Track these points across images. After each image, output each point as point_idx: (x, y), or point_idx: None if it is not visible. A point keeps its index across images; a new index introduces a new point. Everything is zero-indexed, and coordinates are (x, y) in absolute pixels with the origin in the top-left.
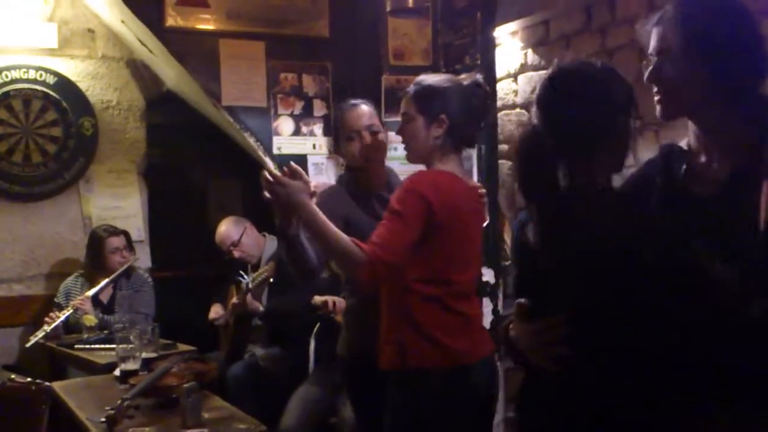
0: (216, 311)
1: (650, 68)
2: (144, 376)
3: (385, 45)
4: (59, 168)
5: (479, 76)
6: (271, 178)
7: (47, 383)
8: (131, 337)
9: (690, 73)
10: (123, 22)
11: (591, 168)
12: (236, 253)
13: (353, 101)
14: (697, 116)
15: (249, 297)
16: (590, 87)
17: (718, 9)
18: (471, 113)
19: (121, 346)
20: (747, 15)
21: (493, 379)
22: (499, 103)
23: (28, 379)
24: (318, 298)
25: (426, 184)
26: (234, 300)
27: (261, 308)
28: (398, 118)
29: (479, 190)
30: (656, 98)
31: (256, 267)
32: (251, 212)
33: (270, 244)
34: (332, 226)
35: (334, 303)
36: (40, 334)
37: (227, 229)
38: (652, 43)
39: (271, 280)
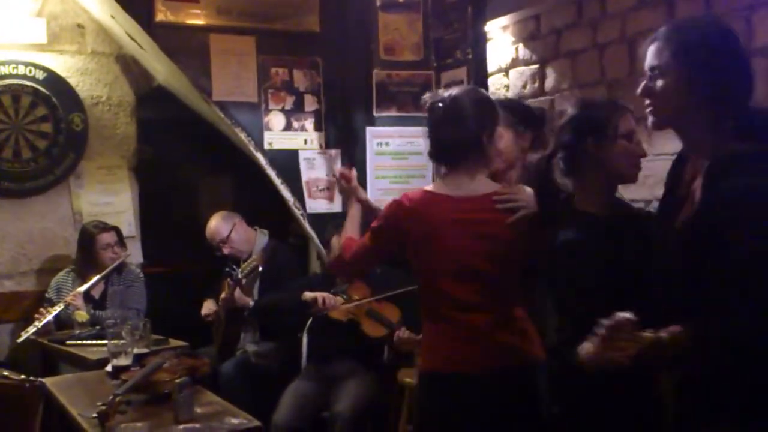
0: (208, 307)
1: (643, 83)
2: (136, 372)
3: (376, 40)
4: (49, 164)
5: (433, 93)
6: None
7: (40, 380)
8: (123, 333)
9: (677, 88)
10: (112, 17)
11: (584, 186)
12: (225, 250)
13: None
14: (682, 129)
15: (238, 291)
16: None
17: (707, 29)
18: (429, 134)
19: (112, 341)
20: (733, 36)
21: (510, 394)
22: None
23: (22, 376)
24: (309, 294)
25: (400, 207)
26: (223, 295)
27: (251, 303)
28: (389, 113)
29: (496, 197)
30: (648, 110)
31: None
32: (242, 207)
33: (261, 238)
34: (350, 224)
35: (324, 300)
36: (31, 330)
37: (216, 225)
38: (647, 60)
39: (260, 268)
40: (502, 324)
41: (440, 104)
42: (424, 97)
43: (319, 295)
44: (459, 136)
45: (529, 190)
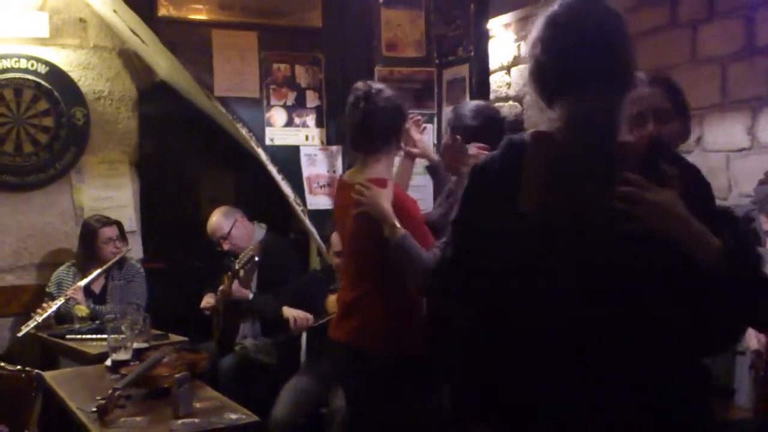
0: (207, 300)
1: None
2: (135, 366)
3: (378, 36)
4: (51, 158)
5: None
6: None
7: (37, 371)
8: (123, 328)
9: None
10: (115, 11)
11: None
12: (226, 245)
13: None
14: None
15: (236, 284)
16: None
17: (550, 14)
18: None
19: (112, 336)
20: (562, 19)
21: (344, 367)
22: (492, 96)
23: (18, 367)
24: (286, 312)
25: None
26: (222, 287)
27: (250, 295)
28: None
29: (356, 186)
30: None
31: None
32: (243, 203)
33: (258, 232)
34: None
35: (296, 320)
36: (31, 324)
37: (218, 220)
38: None
39: (257, 258)
40: (354, 305)
41: (371, 95)
42: (356, 85)
43: (292, 315)
44: (385, 126)
45: (385, 193)
